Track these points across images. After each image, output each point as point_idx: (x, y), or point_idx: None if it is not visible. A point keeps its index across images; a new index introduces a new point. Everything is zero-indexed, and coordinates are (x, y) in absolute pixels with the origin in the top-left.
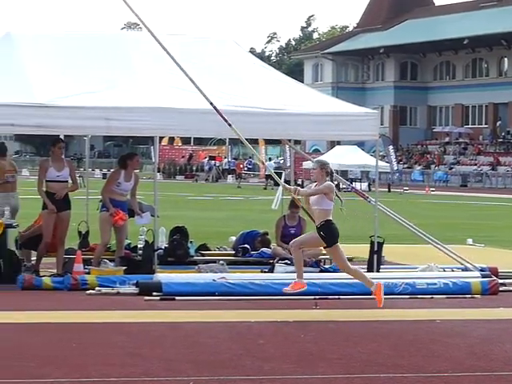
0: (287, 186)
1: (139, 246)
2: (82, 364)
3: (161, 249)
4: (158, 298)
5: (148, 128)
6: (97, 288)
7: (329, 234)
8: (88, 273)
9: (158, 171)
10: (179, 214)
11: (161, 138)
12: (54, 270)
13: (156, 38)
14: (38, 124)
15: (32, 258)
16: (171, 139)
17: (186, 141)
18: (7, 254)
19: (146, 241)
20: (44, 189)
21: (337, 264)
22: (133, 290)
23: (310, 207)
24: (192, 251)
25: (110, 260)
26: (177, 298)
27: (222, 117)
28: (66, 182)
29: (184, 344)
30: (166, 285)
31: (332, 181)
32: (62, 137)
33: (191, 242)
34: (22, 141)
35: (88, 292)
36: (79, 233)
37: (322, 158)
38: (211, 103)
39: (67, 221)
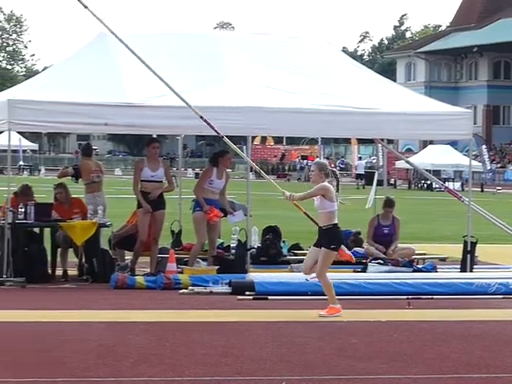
0: (285, 192)
1: (232, 245)
2: (175, 363)
3: (253, 248)
4: (251, 297)
5: (240, 127)
6: (190, 287)
7: (332, 237)
8: (181, 272)
9: (251, 171)
10: (271, 214)
11: (253, 138)
12: (147, 270)
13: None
14: (131, 123)
15: (126, 258)
16: (263, 138)
17: (278, 140)
18: (101, 254)
19: (238, 240)
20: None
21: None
22: (226, 289)
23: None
24: (285, 251)
25: (203, 259)
26: (269, 297)
27: (210, 126)
28: (161, 182)
29: (277, 343)
30: (258, 284)
31: (338, 183)
32: (155, 136)
33: (284, 241)
34: (114, 140)
35: (181, 291)
36: (172, 232)
37: (320, 159)
38: (198, 113)
39: (161, 220)
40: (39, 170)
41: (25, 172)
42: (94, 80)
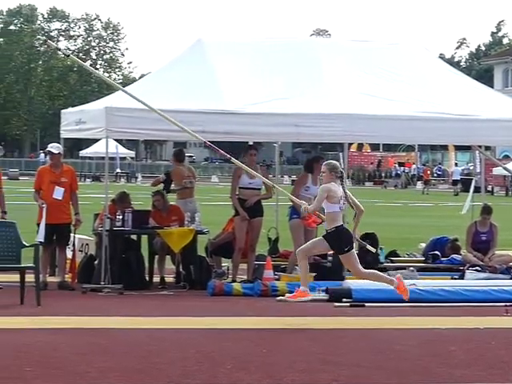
0: (298, 201)
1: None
2: (272, 370)
3: None
4: (348, 304)
5: (338, 134)
6: (287, 294)
7: (337, 241)
8: (278, 279)
9: (348, 177)
10: (368, 221)
11: (350, 144)
12: (244, 277)
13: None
14: (228, 131)
15: (223, 265)
16: (360, 145)
17: (374, 147)
18: (198, 261)
19: None
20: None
21: (350, 269)
22: (322, 296)
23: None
24: (382, 258)
25: None
26: (366, 304)
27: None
28: (259, 189)
29: (373, 350)
30: (355, 291)
31: (343, 184)
32: (251, 143)
33: (381, 248)
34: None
35: (278, 298)
36: (269, 239)
37: (332, 160)
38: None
39: (259, 228)
40: (136, 178)
41: (122, 179)
42: (191, 87)
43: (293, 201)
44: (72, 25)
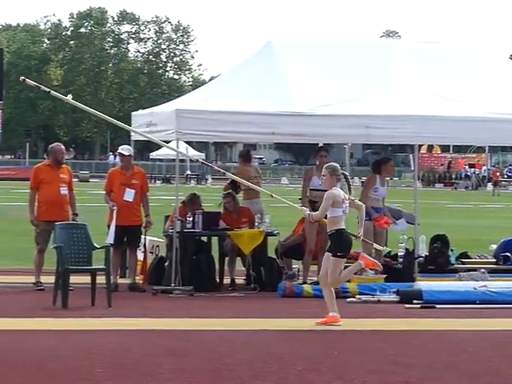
0: (306, 211)
1: (399, 253)
2: (343, 371)
3: (421, 257)
4: (419, 305)
5: (408, 136)
6: (357, 296)
7: (336, 243)
8: (348, 281)
9: (418, 179)
10: (439, 222)
11: (420, 146)
12: (315, 278)
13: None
14: (298, 132)
15: (293, 266)
16: (430, 147)
17: (444, 148)
18: (268, 262)
19: (406, 249)
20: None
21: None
22: (393, 297)
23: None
24: (452, 259)
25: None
26: (437, 306)
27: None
28: None
29: (445, 352)
30: (426, 293)
31: (349, 186)
32: (321, 145)
33: (452, 250)
34: (281, 149)
35: (349, 300)
36: None
37: (332, 163)
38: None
39: None
40: (206, 179)
41: (192, 181)
42: (260, 89)
43: (301, 211)
44: (142, 27)
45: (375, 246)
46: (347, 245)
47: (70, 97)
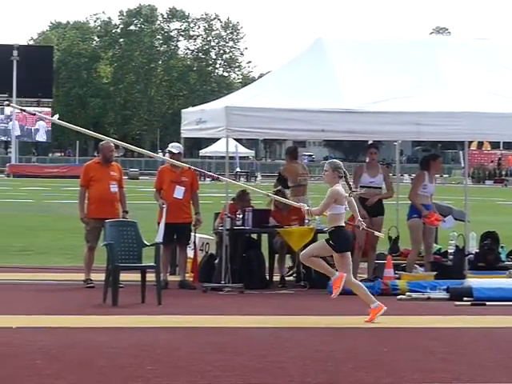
0: (304, 207)
1: (449, 251)
2: (393, 369)
3: (471, 254)
4: (469, 303)
5: (459, 133)
6: (407, 293)
7: (338, 240)
8: (398, 278)
9: (468, 176)
10: (489, 219)
11: (470, 143)
12: (365, 275)
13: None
14: (348, 129)
15: None
16: (480, 143)
17: (494, 145)
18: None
19: (456, 246)
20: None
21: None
22: (443, 295)
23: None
24: (503, 256)
25: (420, 265)
26: (487, 303)
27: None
28: (379, 188)
29: (495, 349)
30: (476, 290)
31: (349, 183)
32: (371, 142)
33: (502, 246)
34: (330, 146)
35: (399, 297)
36: (389, 238)
37: (335, 160)
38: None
39: (379, 226)
40: (256, 177)
41: (241, 178)
42: (310, 86)
43: (300, 207)
44: (192, 25)
45: (376, 233)
46: (348, 240)
47: (56, 117)
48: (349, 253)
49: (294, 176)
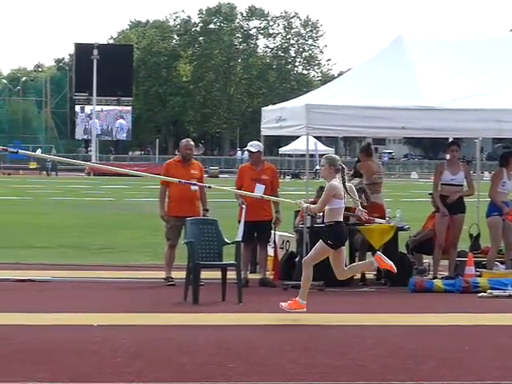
0: (302, 204)
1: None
2: (475, 367)
3: None
4: None
5: None
6: (488, 291)
7: (334, 236)
8: (479, 275)
9: None
10: None
11: None
12: (446, 273)
13: None
14: (428, 127)
15: (424, 261)
16: None
17: None
18: (399, 257)
19: None
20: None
21: (334, 268)
22: None
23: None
24: None
25: (501, 262)
26: None
27: None
28: (461, 185)
29: None
30: None
31: (344, 178)
32: (452, 140)
33: None
34: (410, 144)
35: (480, 295)
36: (470, 235)
37: (331, 154)
38: None
39: (460, 224)
40: None
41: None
42: (390, 84)
43: (297, 204)
44: (271, 23)
45: (377, 220)
46: (345, 236)
47: (39, 151)
48: (344, 247)
49: (370, 173)
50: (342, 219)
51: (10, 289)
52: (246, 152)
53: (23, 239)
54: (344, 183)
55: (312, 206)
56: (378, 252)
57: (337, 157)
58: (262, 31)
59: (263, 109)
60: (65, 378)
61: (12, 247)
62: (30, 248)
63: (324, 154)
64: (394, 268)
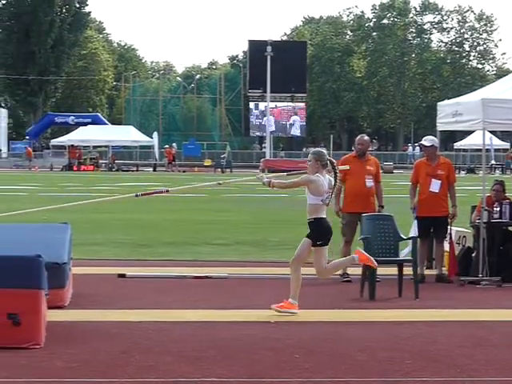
0: (263, 176)
1: None
2: None
3: None
4: None
5: None
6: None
7: (314, 231)
8: None
9: None
10: None
11: None
12: None
13: None
14: None
15: None
16: None
17: None
18: None
19: None
20: None
21: (314, 266)
22: None
23: None
24: None
25: None
26: None
27: None
28: None
29: None
30: None
31: (336, 174)
32: None
33: None
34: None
35: None
36: None
37: (319, 149)
38: None
39: None
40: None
41: (497, 171)
42: None
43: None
44: (445, 17)
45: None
46: (326, 233)
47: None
48: (326, 246)
49: None
50: (323, 216)
51: (186, 286)
52: (418, 147)
53: (203, 236)
54: (336, 178)
55: (274, 180)
56: (358, 249)
57: (323, 151)
58: (435, 26)
59: (439, 103)
60: (243, 375)
61: (191, 244)
62: (207, 245)
63: (499, 149)
64: (375, 263)
